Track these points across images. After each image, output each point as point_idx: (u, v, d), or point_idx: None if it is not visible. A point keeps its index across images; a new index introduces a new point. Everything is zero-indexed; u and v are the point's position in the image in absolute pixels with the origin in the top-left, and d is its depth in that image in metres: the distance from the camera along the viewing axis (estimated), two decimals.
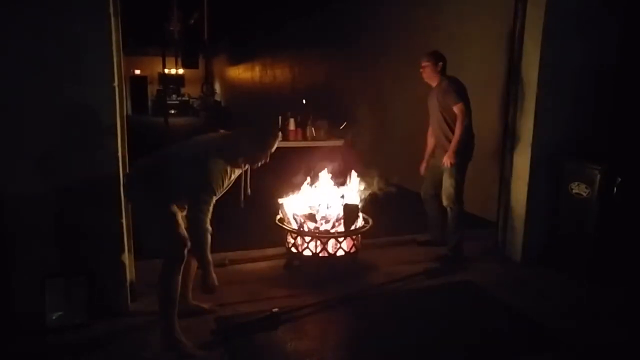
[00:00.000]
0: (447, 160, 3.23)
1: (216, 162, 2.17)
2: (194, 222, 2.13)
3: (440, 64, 3.30)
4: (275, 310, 2.49)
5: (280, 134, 2.41)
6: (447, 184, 3.33)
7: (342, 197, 3.21)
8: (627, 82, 3.34)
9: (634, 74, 3.34)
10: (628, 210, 3.04)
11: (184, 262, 2.17)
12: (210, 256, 2.19)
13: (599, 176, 3.02)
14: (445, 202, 3.39)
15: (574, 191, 3.17)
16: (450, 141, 3.26)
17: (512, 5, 3.29)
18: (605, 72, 3.29)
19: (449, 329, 2.51)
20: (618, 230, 3.06)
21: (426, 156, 3.60)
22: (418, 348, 2.33)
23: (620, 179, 3.00)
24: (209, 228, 2.15)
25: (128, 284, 2.56)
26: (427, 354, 2.29)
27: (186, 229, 2.18)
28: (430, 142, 3.57)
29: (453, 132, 3.25)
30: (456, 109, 3.19)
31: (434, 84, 3.36)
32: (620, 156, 3.17)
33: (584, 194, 3.11)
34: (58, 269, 2.38)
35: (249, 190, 2.66)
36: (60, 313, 2.36)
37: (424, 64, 3.32)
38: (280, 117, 5.15)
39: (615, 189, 3.01)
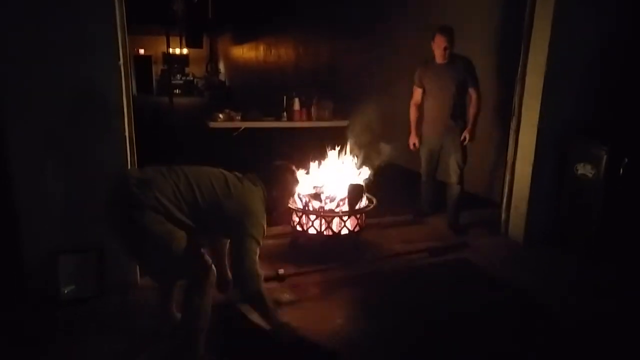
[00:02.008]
0: (468, 136, 3.42)
1: (263, 208, 2.06)
2: (247, 274, 1.93)
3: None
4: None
5: (297, 175, 2.32)
6: (459, 160, 3.49)
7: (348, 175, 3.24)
8: (635, 64, 3.29)
9: None
10: (634, 192, 3.04)
11: (211, 278, 1.91)
12: (271, 303, 2.07)
13: (605, 157, 3.01)
14: (454, 179, 3.54)
15: (579, 172, 3.17)
16: (457, 119, 3.44)
17: None
18: (614, 53, 3.23)
19: (446, 306, 2.55)
20: (623, 212, 3.06)
21: (414, 129, 3.66)
22: (414, 323, 2.37)
23: (627, 160, 2.99)
24: (262, 274, 2.00)
25: None
26: (423, 328, 2.34)
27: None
28: (414, 113, 3.63)
29: (461, 110, 3.45)
30: (475, 91, 3.41)
31: (444, 60, 3.36)
32: (627, 137, 3.14)
33: (590, 175, 3.10)
34: (70, 245, 2.44)
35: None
36: (72, 287, 2.44)
37: (447, 44, 3.28)
38: (284, 97, 5.14)
39: (621, 169, 3.00)
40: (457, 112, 3.45)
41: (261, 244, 2.00)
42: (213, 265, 1.94)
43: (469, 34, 4.29)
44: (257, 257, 1.97)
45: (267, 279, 2.62)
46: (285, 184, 2.23)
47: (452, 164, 3.51)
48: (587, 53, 3.17)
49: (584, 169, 3.14)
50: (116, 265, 2.51)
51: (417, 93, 3.60)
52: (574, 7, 3.06)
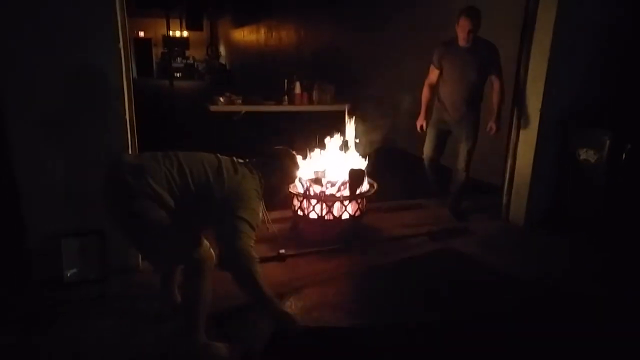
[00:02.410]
0: (495, 127, 3.33)
1: (257, 195, 1.98)
2: (240, 252, 1.80)
3: None
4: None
5: (296, 157, 2.26)
6: (470, 148, 3.39)
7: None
8: (639, 50, 3.24)
9: None
10: (636, 177, 3.03)
11: (210, 263, 1.87)
12: (268, 290, 1.89)
13: (608, 142, 2.99)
14: (462, 165, 3.45)
15: (581, 157, 3.15)
16: (473, 106, 3.32)
17: None
18: (618, 39, 3.19)
19: (445, 292, 2.55)
20: (625, 197, 3.06)
21: (424, 110, 3.53)
22: (408, 305, 2.39)
23: (630, 146, 2.97)
24: (257, 256, 1.86)
25: None
26: (418, 310, 2.34)
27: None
28: (427, 94, 3.48)
29: (479, 98, 3.33)
30: (497, 78, 3.27)
31: (467, 44, 3.17)
32: (630, 123, 3.12)
33: (592, 160, 3.09)
34: (72, 228, 2.46)
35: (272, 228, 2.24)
36: (75, 270, 2.46)
37: (471, 27, 3.08)
38: (286, 81, 5.10)
39: (624, 155, 2.99)
40: (475, 100, 3.31)
41: (255, 229, 1.89)
42: (212, 250, 1.93)
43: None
44: (251, 241, 1.86)
45: (268, 259, 2.72)
46: (285, 169, 2.20)
47: (462, 151, 3.41)
48: (591, 38, 3.12)
49: (587, 154, 3.12)
50: (118, 248, 2.53)
51: (434, 74, 3.41)
52: None
